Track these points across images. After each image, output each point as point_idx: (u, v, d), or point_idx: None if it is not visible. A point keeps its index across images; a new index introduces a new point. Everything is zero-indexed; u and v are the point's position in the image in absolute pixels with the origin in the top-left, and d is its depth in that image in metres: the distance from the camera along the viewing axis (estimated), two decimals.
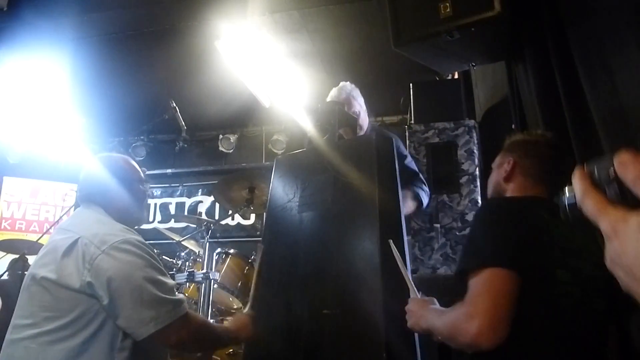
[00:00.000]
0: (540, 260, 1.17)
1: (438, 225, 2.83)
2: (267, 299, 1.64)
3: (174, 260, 3.30)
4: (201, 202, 5.51)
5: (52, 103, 4.33)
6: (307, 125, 1.90)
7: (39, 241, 3.26)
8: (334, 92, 2.52)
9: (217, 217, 4.95)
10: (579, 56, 1.70)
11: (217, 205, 5.28)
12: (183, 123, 3.63)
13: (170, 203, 5.62)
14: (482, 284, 1.12)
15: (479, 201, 2.83)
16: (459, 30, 2.16)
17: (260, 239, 1.92)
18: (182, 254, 3.34)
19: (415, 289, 1.40)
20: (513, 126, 2.50)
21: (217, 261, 3.12)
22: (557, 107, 1.85)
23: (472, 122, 3.02)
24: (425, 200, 2.48)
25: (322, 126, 1.84)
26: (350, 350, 1.39)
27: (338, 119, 1.85)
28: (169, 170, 5.63)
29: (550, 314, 1.15)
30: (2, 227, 5.26)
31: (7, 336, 1.40)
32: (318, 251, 1.58)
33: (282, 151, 5.10)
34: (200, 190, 5.58)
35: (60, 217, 3.86)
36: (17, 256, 3.20)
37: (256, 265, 1.77)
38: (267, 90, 4.30)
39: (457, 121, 3.01)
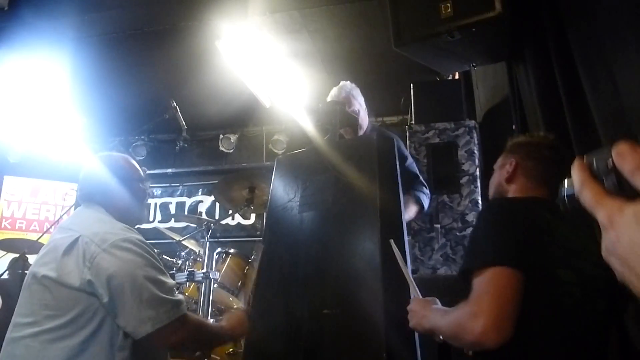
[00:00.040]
0: (543, 259, 1.17)
1: (438, 226, 2.83)
2: (268, 298, 1.64)
3: (174, 260, 3.30)
4: (201, 201, 5.51)
5: (52, 102, 4.33)
6: (308, 125, 1.90)
7: (39, 240, 3.26)
8: (334, 91, 2.52)
9: (217, 217, 4.96)
10: (580, 57, 1.70)
11: (218, 205, 5.28)
12: (183, 123, 3.63)
13: (171, 203, 5.62)
14: (486, 283, 1.13)
15: (479, 202, 2.84)
16: (460, 31, 2.16)
17: (260, 238, 1.92)
18: (182, 253, 3.34)
19: (416, 288, 1.40)
20: (514, 127, 2.50)
21: (217, 261, 3.12)
22: (558, 108, 1.86)
23: (472, 123, 3.02)
24: (426, 203, 2.49)
25: (323, 126, 1.84)
26: (350, 350, 1.39)
27: (339, 119, 1.85)
28: (169, 170, 5.63)
29: (553, 313, 1.16)
30: (3, 226, 5.26)
31: (8, 334, 1.40)
32: (318, 251, 1.57)
33: (283, 151, 5.10)
34: (200, 190, 5.58)
35: (61, 217, 3.86)
36: (17, 255, 3.20)
37: (256, 265, 1.77)
38: (268, 90, 4.30)
39: (458, 121, 3.02)
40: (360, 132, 2.38)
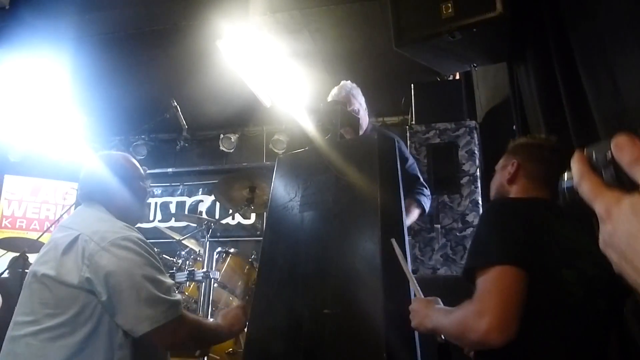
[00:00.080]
0: (546, 259, 1.18)
1: (438, 226, 2.83)
2: (268, 298, 1.64)
3: (175, 259, 3.30)
4: (202, 201, 5.52)
5: (53, 102, 4.34)
6: (309, 125, 1.89)
7: (40, 239, 3.26)
8: (334, 91, 2.52)
9: (217, 217, 4.96)
10: (581, 57, 1.70)
11: (218, 204, 5.29)
12: (184, 122, 3.64)
13: (171, 202, 5.62)
14: (490, 282, 1.13)
15: (480, 202, 2.84)
16: (461, 31, 2.16)
17: (260, 238, 1.93)
18: (183, 252, 3.34)
19: (418, 288, 1.40)
20: (514, 127, 2.50)
21: (217, 260, 3.12)
22: (559, 108, 1.86)
23: (473, 123, 3.02)
24: (427, 205, 2.49)
25: (324, 126, 1.84)
26: (350, 350, 1.39)
27: (340, 119, 1.85)
28: (169, 170, 5.63)
29: (556, 313, 1.16)
30: (3, 225, 5.26)
31: (9, 333, 1.40)
32: (319, 251, 1.57)
33: (283, 151, 5.10)
34: (200, 189, 5.58)
35: (61, 216, 3.86)
36: (17, 254, 3.20)
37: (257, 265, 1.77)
38: (268, 90, 4.30)
39: (458, 122, 3.02)
40: (361, 132, 2.38)
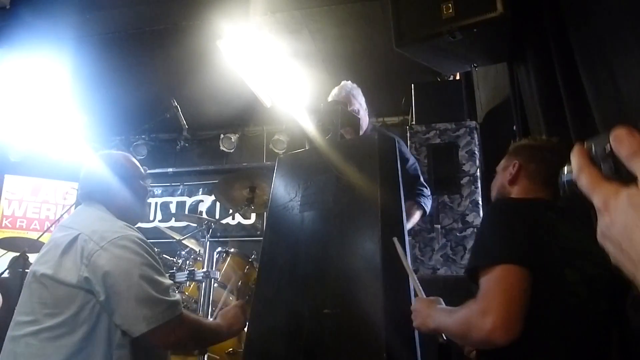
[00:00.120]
0: (549, 258, 1.18)
1: (439, 226, 2.83)
2: (268, 298, 1.64)
3: (175, 259, 3.30)
4: (202, 201, 5.52)
5: (53, 101, 4.34)
6: (309, 125, 1.89)
7: (40, 239, 3.26)
8: (335, 91, 2.52)
9: (217, 217, 4.95)
10: (581, 57, 1.70)
11: (218, 204, 5.29)
12: (184, 122, 3.64)
13: (171, 202, 5.63)
14: (494, 281, 1.13)
15: (480, 202, 2.84)
16: (461, 31, 2.16)
17: (260, 238, 1.93)
18: (183, 252, 3.34)
19: (420, 288, 1.41)
20: (514, 127, 2.50)
21: (217, 260, 3.12)
22: (559, 109, 1.86)
23: (473, 123, 3.02)
24: (428, 206, 2.50)
25: (324, 126, 1.84)
26: (350, 349, 1.39)
27: (340, 119, 1.85)
28: (170, 169, 5.64)
29: (559, 313, 1.16)
30: (3, 225, 5.26)
31: (9, 333, 1.40)
32: (319, 251, 1.57)
33: (283, 151, 5.10)
34: (201, 189, 5.59)
35: (62, 215, 3.86)
36: (17, 254, 3.20)
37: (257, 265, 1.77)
38: (269, 90, 4.30)
39: (459, 122, 3.02)
40: (361, 133, 2.38)
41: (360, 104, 2.51)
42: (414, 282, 1.43)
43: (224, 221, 4.91)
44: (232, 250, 3.20)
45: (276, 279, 1.64)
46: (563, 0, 1.86)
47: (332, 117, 1.84)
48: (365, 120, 2.54)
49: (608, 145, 0.43)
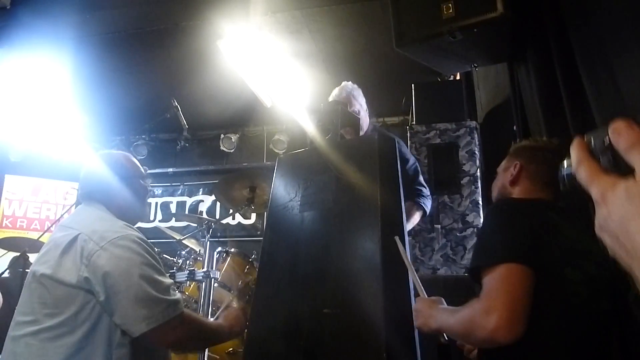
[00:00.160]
0: (551, 258, 1.18)
1: (439, 226, 2.83)
2: (268, 298, 1.64)
3: (175, 259, 3.31)
4: (202, 201, 5.52)
5: (53, 101, 4.34)
6: (309, 125, 1.90)
7: (40, 239, 3.26)
8: (335, 91, 2.52)
9: (218, 217, 4.96)
10: (581, 57, 1.70)
11: (218, 204, 5.29)
12: (184, 122, 3.63)
13: (171, 202, 5.63)
14: (498, 279, 1.13)
15: (480, 202, 2.84)
16: (461, 31, 2.16)
17: (261, 238, 1.93)
18: (183, 252, 3.34)
19: (422, 288, 1.41)
20: (515, 127, 2.50)
21: (217, 260, 3.12)
22: (559, 109, 1.86)
23: (473, 123, 3.02)
24: (427, 207, 2.50)
25: (324, 126, 1.84)
26: (350, 349, 1.39)
27: (340, 119, 1.85)
28: (170, 170, 5.64)
29: (561, 312, 1.16)
30: (4, 225, 5.27)
31: (9, 333, 1.40)
32: (319, 250, 1.57)
33: (283, 151, 5.10)
34: (201, 189, 5.59)
35: (62, 215, 3.86)
36: (18, 254, 3.20)
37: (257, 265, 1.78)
38: (269, 90, 4.30)
39: (459, 122, 3.02)
40: (361, 133, 2.38)
41: (360, 105, 2.51)
42: (415, 282, 1.43)
43: (224, 221, 4.91)
44: (232, 250, 3.20)
45: (276, 278, 1.64)
46: (563, 0, 1.86)
47: (332, 117, 1.84)
48: (365, 120, 2.54)
49: (607, 138, 0.43)
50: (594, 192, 0.43)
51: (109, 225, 1.46)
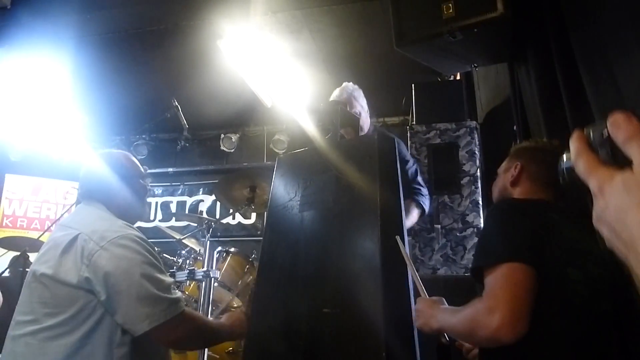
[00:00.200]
0: (553, 257, 1.18)
1: (439, 226, 2.83)
2: (267, 297, 1.64)
3: (175, 258, 3.31)
4: (202, 201, 5.52)
5: (54, 101, 4.34)
6: (309, 125, 1.90)
7: (40, 239, 3.26)
8: (336, 92, 2.53)
9: (218, 216, 4.96)
10: (581, 57, 1.70)
11: (218, 204, 5.29)
12: (185, 122, 3.65)
13: (172, 202, 5.63)
14: (501, 278, 1.13)
15: (480, 202, 2.84)
16: (462, 31, 2.16)
17: (261, 238, 1.93)
18: (183, 252, 3.35)
19: (423, 288, 1.41)
20: (515, 128, 2.50)
21: (217, 259, 3.12)
22: (559, 109, 1.85)
23: (473, 124, 3.02)
24: (426, 205, 2.50)
25: (324, 126, 1.84)
26: (350, 349, 1.39)
27: (340, 119, 1.85)
28: (170, 169, 5.64)
29: (562, 312, 1.16)
30: (4, 224, 5.27)
31: (9, 332, 1.40)
32: (319, 250, 1.57)
33: (284, 151, 5.10)
34: (201, 189, 5.59)
35: (62, 215, 3.87)
36: (18, 253, 3.20)
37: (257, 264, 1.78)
38: (269, 90, 4.30)
39: (459, 122, 3.01)
40: (361, 134, 2.38)
41: (361, 106, 2.51)
42: (417, 282, 1.43)
43: (224, 221, 4.90)
44: (232, 249, 3.20)
45: (276, 278, 1.64)
46: (564, 1, 1.86)
47: (332, 117, 1.84)
48: (366, 121, 2.55)
49: (605, 130, 0.44)
50: (592, 184, 0.43)
51: (108, 225, 1.46)
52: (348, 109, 2.33)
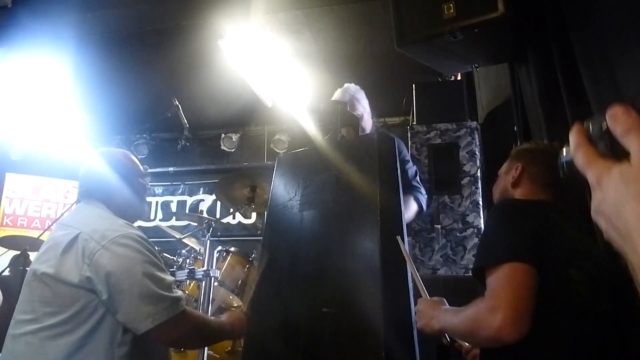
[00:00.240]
0: (555, 257, 1.19)
1: (439, 226, 2.82)
2: (267, 297, 1.65)
3: (175, 258, 3.31)
4: (202, 200, 5.52)
5: (54, 100, 4.34)
6: (309, 125, 1.90)
7: (41, 238, 3.27)
8: (338, 93, 2.52)
9: (218, 216, 4.96)
10: (582, 58, 1.70)
11: (219, 203, 5.29)
12: (185, 121, 3.64)
13: (172, 201, 5.63)
14: (503, 278, 1.13)
15: (480, 203, 2.83)
16: (462, 31, 2.16)
17: (261, 237, 1.94)
18: (183, 251, 3.35)
19: (424, 289, 1.41)
20: (515, 128, 2.50)
21: (217, 259, 3.12)
22: (560, 109, 1.85)
23: (474, 124, 3.02)
24: (424, 203, 2.50)
25: (324, 125, 1.84)
26: (349, 349, 1.39)
27: (340, 119, 1.85)
28: (170, 169, 5.64)
29: (564, 312, 1.16)
30: (4, 223, 5.27)
31: (9, 331, 1.40)
32: (318, 250, 1.57)
33: (284, 151, 5.10)
34: (201, 188, 5.59)
35: (62, 214, 3.87)
36: (18, 252, 3.21)
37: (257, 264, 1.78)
38: (270, 89, 4.30)
39: (459, 122, 3.01)
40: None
41: (364, 108, 2.51)
42: (418, 282, 1.43)
43: (224, 220, 4.90)
44: (232, 249, 3.20)
45: (276, 278, 1.64)
46: (564, 1, 1.86)
47: (332, 117, 1.84)
48: (368, 123, 2.55)
49: (604, 123, 0.44)
50: (590, 176, 0.44)
51: (109, 224, 1.47)
52: (350, 110, 2.33)
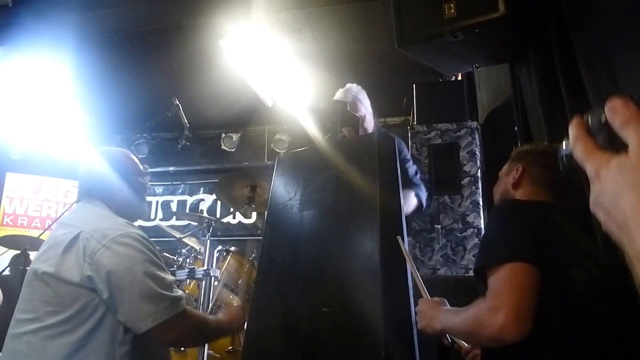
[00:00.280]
0: (556, 257, 1.19)
1: (439, 226, 2.82)
2: (267, 296, 1.65)
3: (175, 257, 3.31)
4: (203, 200, 5.52)
5: (55, 99, 4.34)
6: (310, 124, 1.90)
7: (41, 237, 3.27)
8: (340, 93, 2.52)
9: (218, 215, 4.96)
10: (583, 58, 1.70)
11: (219, 203, 5.29)
12: (186, 121, 3.64)
13: (172, 201, 5.63)
14: (504, 278, 1.13)
15: (480, 203, 2.83)
16: (463, 32, 2.16)
17: (261, 237, 1.94)
18: (183, 251, 3.35)
19: (425, 289, 1.41)
20: (516, 128, 2.50)
21: (217, 259, 3.12)
22: (560, 109, 1.85)
23: (474, 124, 3.02)
24: (424, 199, 2.50)
25: (325, 125, 1.84)
26: (349, 348, 1.39)
27: (340, 118, 1.85)
28: (171, 168, 5.64)
29: (566, 312, 1.16)
30: (4, 222, 5.27)
31: (10, 330, 1.40)
32: (318, 249, 1.58)
33: (284, 150, 5.10)
34: (202, 188, 5.59)
35: (63, 213, 3.88)
36: (19, 252, 3.21)
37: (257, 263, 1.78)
38: (270, 89, 4.30)
39: (460, 122, 3.01)
40: None
41: (366, 108, 2.51)
42: (418, 282, 1.43)
43: (224, 220, 4.91)
44: (232, 248, 3.21)
45: (276, 277, 1.64)
46: (565, 1, 1.86)
47: (332, 117, 1.84)
48: (370, 123, 2.55)
49: (603, 115, 0.44)
50: (589, 168, 0.44)
51: (109, 223, 1.47)
52: (353, 111, 2.33)
